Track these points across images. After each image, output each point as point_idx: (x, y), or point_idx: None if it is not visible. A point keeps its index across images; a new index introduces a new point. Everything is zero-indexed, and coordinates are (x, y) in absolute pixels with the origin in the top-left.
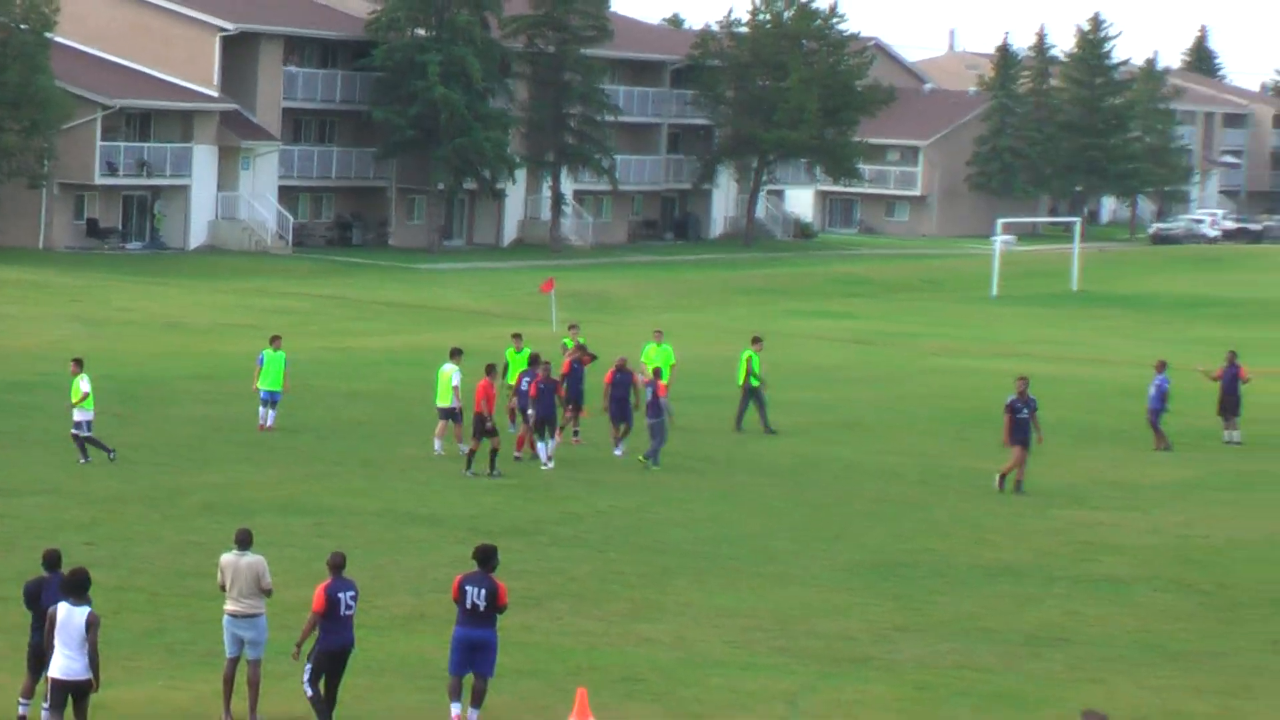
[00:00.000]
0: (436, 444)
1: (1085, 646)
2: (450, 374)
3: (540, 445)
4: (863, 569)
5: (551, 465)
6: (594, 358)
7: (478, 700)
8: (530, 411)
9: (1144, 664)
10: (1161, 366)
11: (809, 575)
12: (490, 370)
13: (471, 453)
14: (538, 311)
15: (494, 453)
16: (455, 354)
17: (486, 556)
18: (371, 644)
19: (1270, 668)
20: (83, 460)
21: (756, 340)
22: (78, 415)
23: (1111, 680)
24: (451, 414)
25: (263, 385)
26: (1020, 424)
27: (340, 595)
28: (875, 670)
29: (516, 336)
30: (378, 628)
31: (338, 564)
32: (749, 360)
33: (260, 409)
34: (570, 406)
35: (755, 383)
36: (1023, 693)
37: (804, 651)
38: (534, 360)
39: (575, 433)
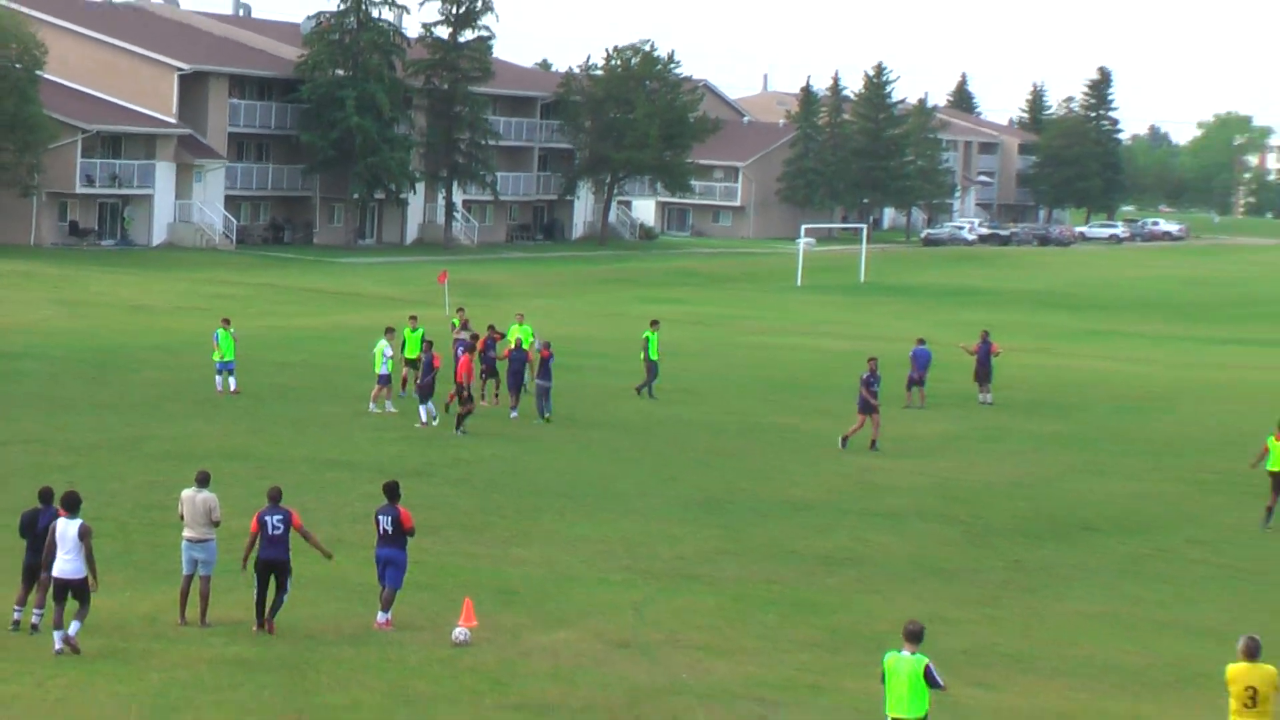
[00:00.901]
0: (371, 405)
1: (869, 566)
2: (382, 347)
3: (421, 407)
4: (693, 504)
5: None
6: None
7: (387, 605)
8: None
9: (916, 579)
10: (920, 341)
11: (650, 509)
12: (469, 350)
13: (460, 416)
14: (433, 297)
15: (461, 416)
16: (388, 331)
17: (392, 490)
18: (298, 564)
19: (1014, 581)
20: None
21: (654, 322)
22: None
23: (889, 592)
24: (384, 380)
25: (218, 358)
26: (872, 395)
27: (268, 519)
28: (703, 585)
29: (413, 318)
30: (302, 551)
31: (273, 495)
32: (647, 340)
33: (217, 377)
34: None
35: (654, 356)
36: (820, 602)
37: (646, 570)
38: (428, 345)
39: (496, 396)
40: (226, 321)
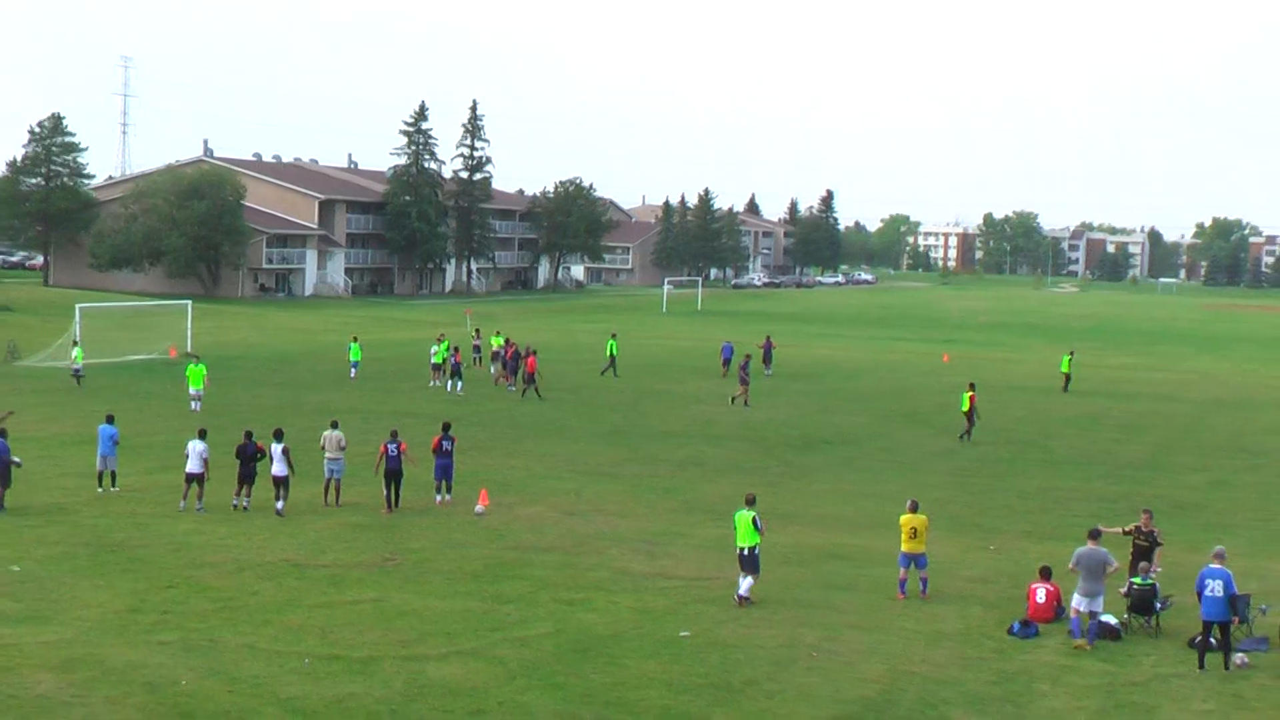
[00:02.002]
0: (431, 382)
1: (706, 466)
2: (440, 348)
3: (455, 381)
4: (609, 434)
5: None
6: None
7: (449, 490)
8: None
9: (731, 473)
10: (727, 341)
11: (584, 437)
12: (533, 352)
13: (524, 392)
14: (460, 321)
15: (533, 388)
16: (439, 338)
17: (447, 427)
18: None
19: (786, 473)
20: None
21: (614, 334)
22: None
23: (717, 481)
24: (437, 368)
25: (352, 358)
26: (747, 371)
27: (390, 445)
28: (614, 479)
29: (440, 336)
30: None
31: (393, 432)
32: (612, 343)
33: (351, 370)
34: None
35: (614, 353)
36: (679, 487)
37: (582, 471)
38: (455, 348)
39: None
40: (355, 337)
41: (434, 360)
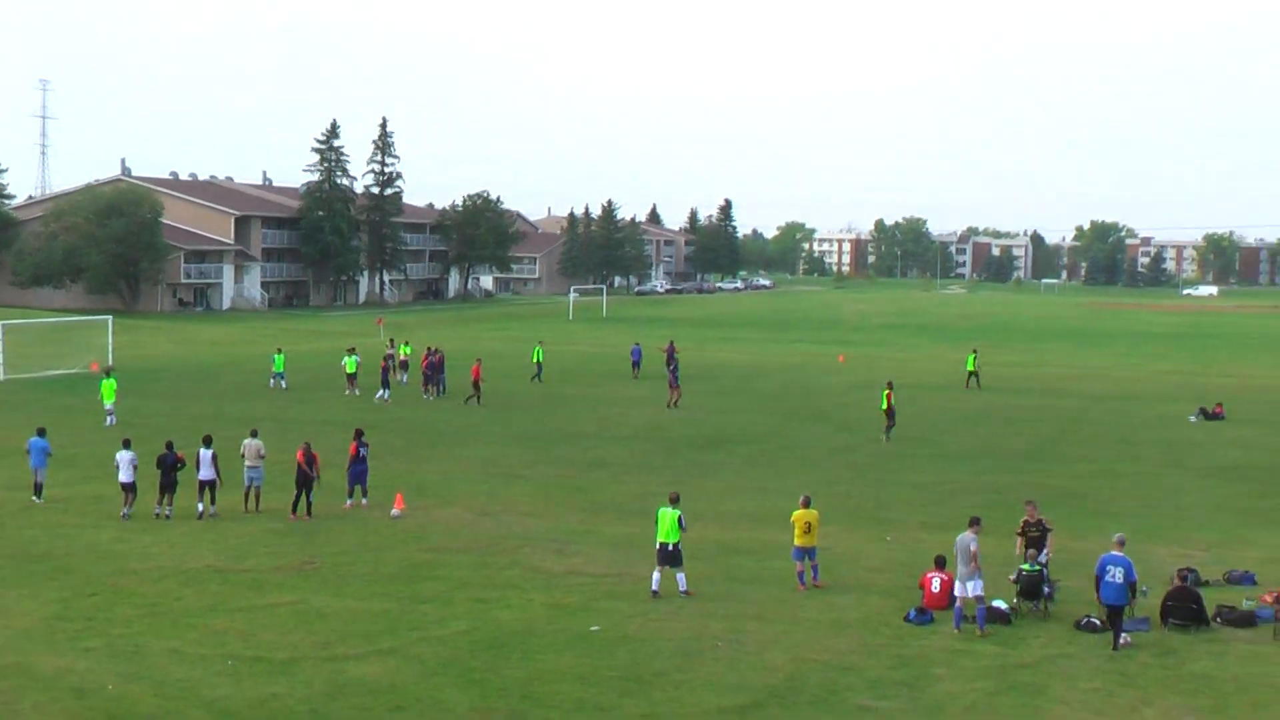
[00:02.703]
0: (347, 391)
1: (614, 466)
2: (350, 358)
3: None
4: (520, 438)
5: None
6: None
7: (365, 494)
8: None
9: (638, 472)
10: (636, 343)
11: (497, 441)
12: (479, 361)
13: (469, 398)
14: (373, 331)
15: (470, 397)
16: (350, 350)
17: (360, 433)
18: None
19: (691, 471)
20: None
21: (541, 341)
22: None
23: (625, 480)
24: (353, 378)
25: (276, 368)
26: (675, 373)
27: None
28: (526, 480)
29: (351, 349)
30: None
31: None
32: (538, 350)
33: (271, 380)
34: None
35: (541, 359)
36: (588, 487)
37: (495, 473)
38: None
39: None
40: (280, 349)
41: (347, 370)
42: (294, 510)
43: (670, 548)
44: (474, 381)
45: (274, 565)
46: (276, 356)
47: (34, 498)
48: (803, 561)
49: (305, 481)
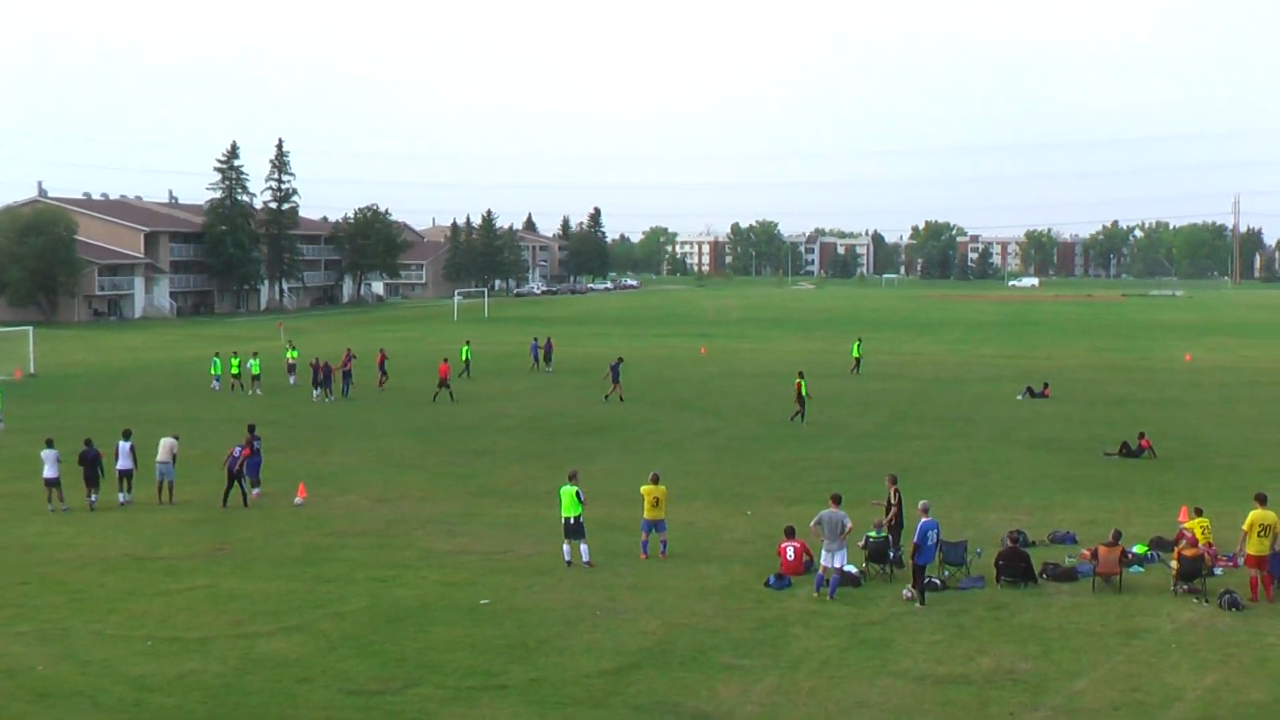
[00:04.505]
0: (249, 391)
1: (498, 455)
2: (253, 362)
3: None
4: (411, 431)
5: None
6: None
7: (257, 484)
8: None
9: (525, 460)
10: (535, 338)
11: (391, 435)
12: (446, 360)
13: (435, 396)
14: (273, 335)
15: (437, 394)
16: (254, 354)
17: (252, 428)
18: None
19: (570, 457)
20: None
21: (468, 341)
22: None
23: (507, 467)
24: (256, 379)
25: (214, 371)
26: (616, 373)
27: (237, 451)
28: (417, 469)
29: (256, 352)
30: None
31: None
32: (465, 349)
33: (215, 383)
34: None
35: (469, 357)
36: (474, 474)
37: (389, 464)
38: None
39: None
40: (218, 353)
41: (245, 371)
42: (225, 501)
43: (573, 521)
44: (441, 379)
45: (187, 552)
46: (215, 360)
47: None
48: (649, 533)
49: (239, 476)
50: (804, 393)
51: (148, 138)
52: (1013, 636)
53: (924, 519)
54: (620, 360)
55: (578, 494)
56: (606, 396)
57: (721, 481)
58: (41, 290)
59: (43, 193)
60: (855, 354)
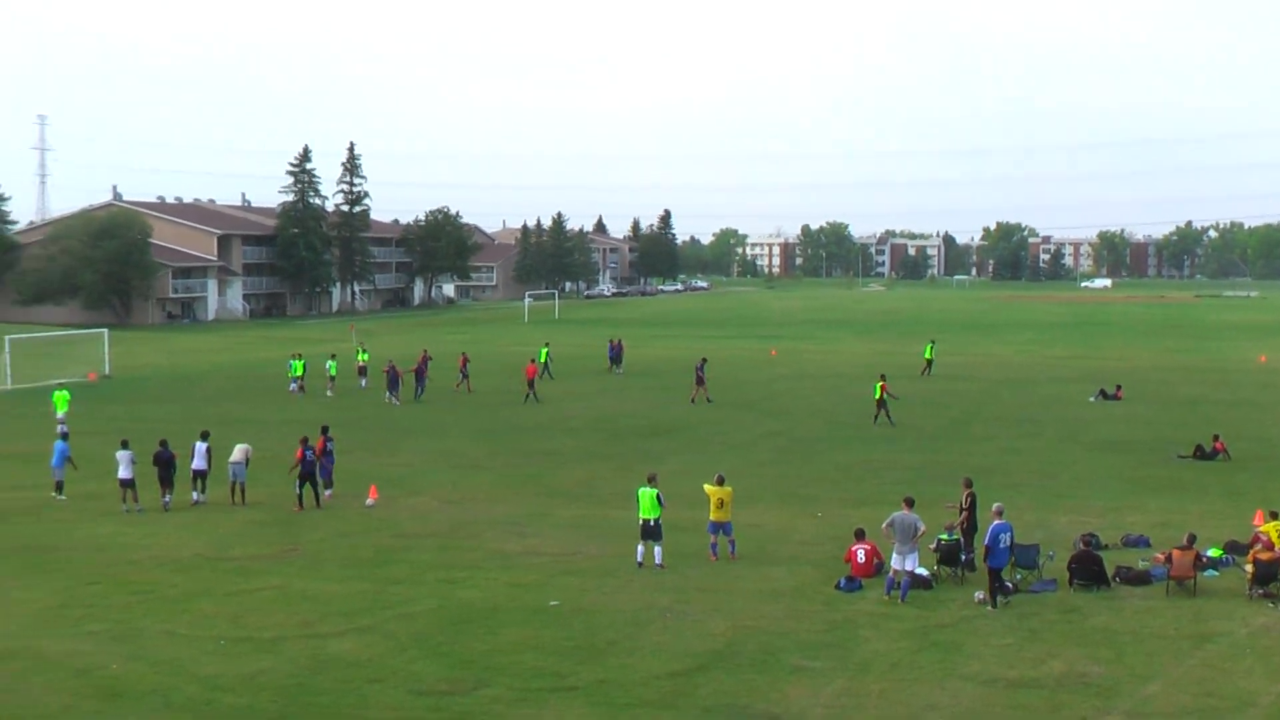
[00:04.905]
0: (327, 393)
1: (564, 455)
2: (297, 363)
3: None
4: (480, 432)
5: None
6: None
7: (329, 485)
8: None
9: (589, 460)
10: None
11: (458, 435)
12: (533, 360)
13: (526, 397)
14: (345, 337)
15: (528, 395)
16: (332, 355)
17: (325, 429)
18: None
19: (639, 458)
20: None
21: (547, 344)
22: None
23: (573, 467)
24: (332, 380)
25: (293, 373)
26: (700, 375)
27: (308, 451)
28: (485, 470)
29: (333, 355)
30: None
31: (305, 439)
32: (544, 351)
33: (295, 385)
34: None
35: (546, 359)
36: (541, 475)
37: (457, 465)
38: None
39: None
40: (298, 354)
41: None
42: (300, 502)
43: (651, 523)
44: (529, 380)
45: (258, 553)
46: (294, 362)
47: (56, 494)
48: (716, 535)
49: (311, 477)
50: (883, 395)
51: (221, 142)
52: (1084, 640)
53: (997, 521)
54: (704, 361)
55: (658, 497)
56: (693, 399)
57: (788, 483)
58: (115, 293)
59: (117, 196)
60: (927, 355)
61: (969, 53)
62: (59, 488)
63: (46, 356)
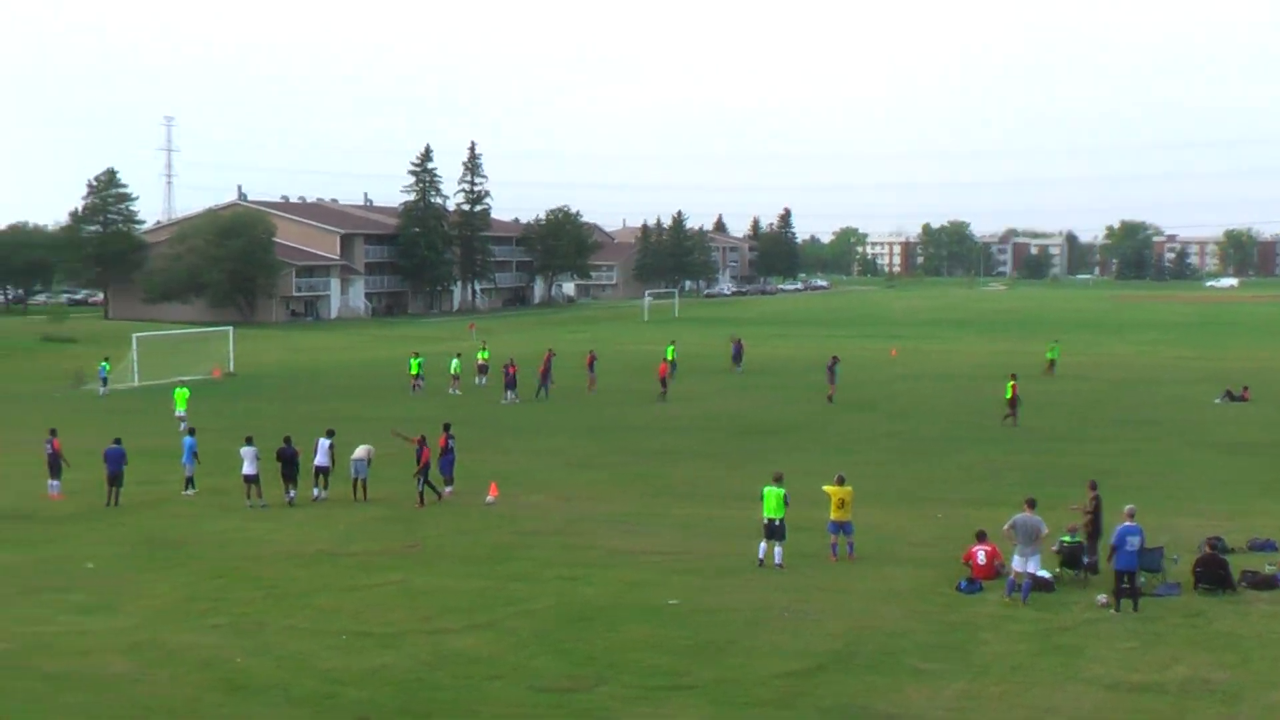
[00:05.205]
0: (450, 390)
1: (675, 454)
2: (414, 360)
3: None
4: (589, 430)
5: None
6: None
7: (450, 482)
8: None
9: (702, 458)
10: (732, 338)
11: (569, 433)
12: (665, 358)
13: (661, 394)
14: (464, 336)
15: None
16: (458, 354)
17: (448, 426)
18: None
19: (748, 456)
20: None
21: (673, 341)
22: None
23: (686, 466)
24: (456, 378)
25: (413, 371)
26: (832, 373)
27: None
28: (597, 469)
29: (458, 354)
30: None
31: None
32: (670, 348)
33: (415, 383)
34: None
35: (672, 357)
36: (650, 474)
37: (569, 463)
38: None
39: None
40: (416, 353)
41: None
42: (421, 499)
43: (775, 523)
44: (661, 379)
45: (379, 549)
46: (412, 360)
47: (185, 490)
48: (836, 535)
49: (425, 471)
50: (1014, 394)
51: (344, 142)
52: (1209, 645)
53: (1126, 523)
54: (835, 359)
55: (785, 497)
56: (829, 397)
57: (908, 484)
58: (240, 291)
59: (242, 196)
60: (1051, 355)
61: (1092, 50)
62: (189, 483)
63: (173, 354)
